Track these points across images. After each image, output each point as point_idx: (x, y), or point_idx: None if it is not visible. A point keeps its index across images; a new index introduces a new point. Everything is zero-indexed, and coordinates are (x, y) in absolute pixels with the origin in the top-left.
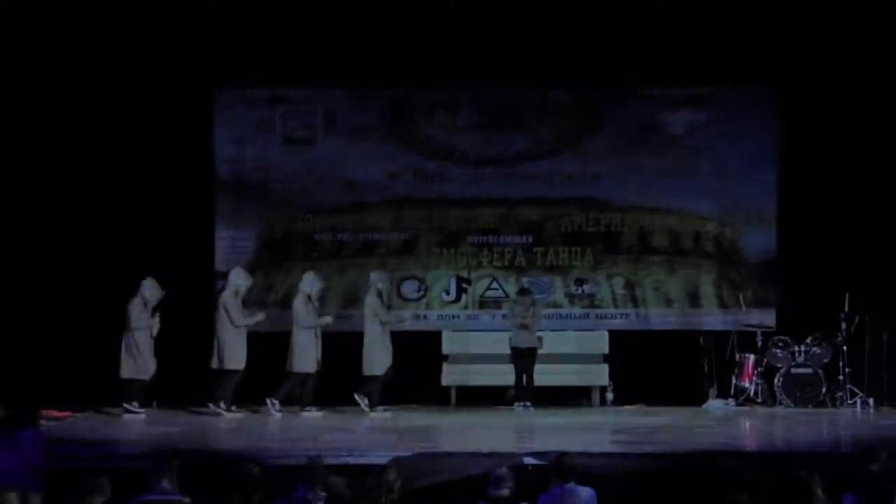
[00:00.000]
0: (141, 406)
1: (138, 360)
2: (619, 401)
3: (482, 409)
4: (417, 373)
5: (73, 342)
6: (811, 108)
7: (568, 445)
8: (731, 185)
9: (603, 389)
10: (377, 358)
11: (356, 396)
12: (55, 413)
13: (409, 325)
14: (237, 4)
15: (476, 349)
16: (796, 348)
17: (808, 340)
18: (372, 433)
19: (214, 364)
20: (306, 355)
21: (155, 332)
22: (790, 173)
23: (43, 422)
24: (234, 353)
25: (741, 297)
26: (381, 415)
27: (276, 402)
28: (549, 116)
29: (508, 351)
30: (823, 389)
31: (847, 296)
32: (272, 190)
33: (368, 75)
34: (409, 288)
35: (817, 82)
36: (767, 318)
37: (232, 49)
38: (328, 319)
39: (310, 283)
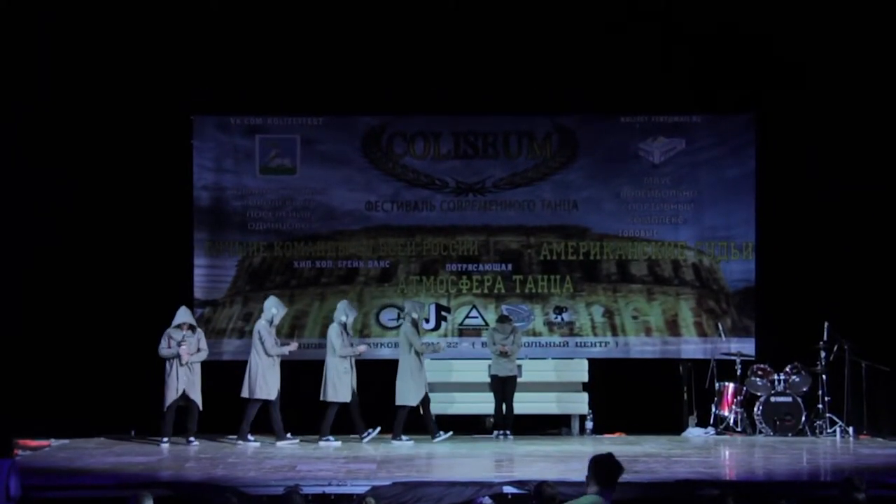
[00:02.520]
0: (120, 435)
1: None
2: (599, 429)
3: (461, 437)
4: (391, 401)
5: (56, 370)
6: (790, 135)
7: (547, 474)
8: (710, 213)
9: (582, 418)
10: (412, 388)
11: (393, 443)
12: (31, 443)
13: (388, 354)
14: (216, 33)
15: (455, 377)
16: (776, 377)
17: (788, 369)
18: (350, 462)
19: (244, 392)
20: (341, 385)
21: (185, 360)
22: (769, 201)
23: (18, 451)
24: (265, 382)
25: (720, 326)
26: (404, 443)
27: (329, 437)
28: (528, 145)
29: (488, 379)
30: (803, 418)
31: (826, 325)
32: (251, 218)
33: (347, 103)
34: (388, 316)
35: (797, 110)
36: (747, 346)
37: (210, 77)
38: (363, 349)
39: (344, 311)
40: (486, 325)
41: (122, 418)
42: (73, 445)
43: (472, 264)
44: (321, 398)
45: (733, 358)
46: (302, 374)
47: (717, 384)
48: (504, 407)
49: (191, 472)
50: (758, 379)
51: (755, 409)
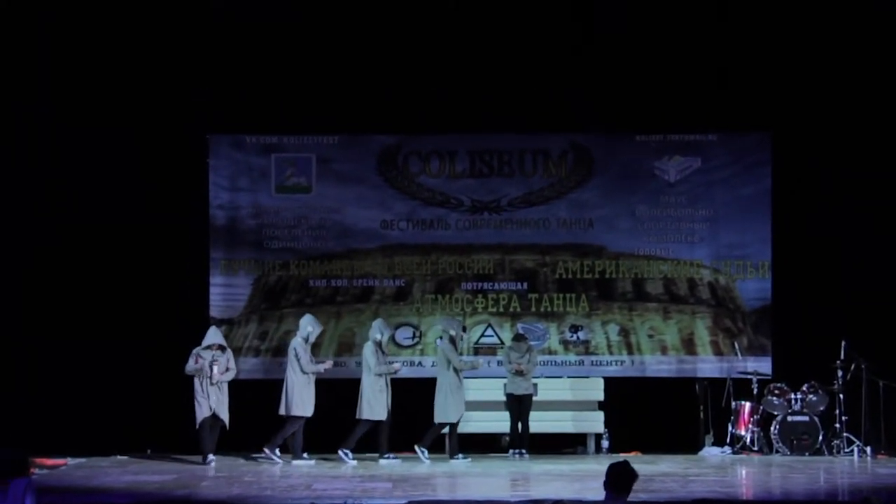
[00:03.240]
0: (137, 454)
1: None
2: (615, 448)
3: (477, 456)
4: (412, 420)
5: (73, 388)
6: (806, 153)
7: (563, 493)
8: (726, 231)
9: (598, 437)
10: (452, 406)
11: (417, 448)
12: (47, 461)
13: (403, 373)
14: (232, 52)
15: (471, 396)
16: (792, 396)
17: (805, 388)
18: (366, 481)
19: (282, 410)
20: (376, 403)
21: (216, 379)
22: (785, 219)
23: (34, 470)
24: (301, 399)
25: (737, 344)
26: (461, 461)
27: (349, 451)
28: (544, 163)
29: (504, 398)
30: (820, 437)
31: (843, 343)
32: (266, 236)
33: (362, 122)
34: (403, 335)
35: (813, 127)
36: (763, 365)
37: (226, 96)
38: (398, 367)
39: (379, 329)
40: (502, 343)
41: (139, 437)
42: (89, 464)
43: (487, 283)
44: (357, 416)
45: (750, 377)
46: (318, 394)
47: (733, 403)
48: (520, 426)
49: (206, 490)
50: (774, 398)
51: (772, 428)
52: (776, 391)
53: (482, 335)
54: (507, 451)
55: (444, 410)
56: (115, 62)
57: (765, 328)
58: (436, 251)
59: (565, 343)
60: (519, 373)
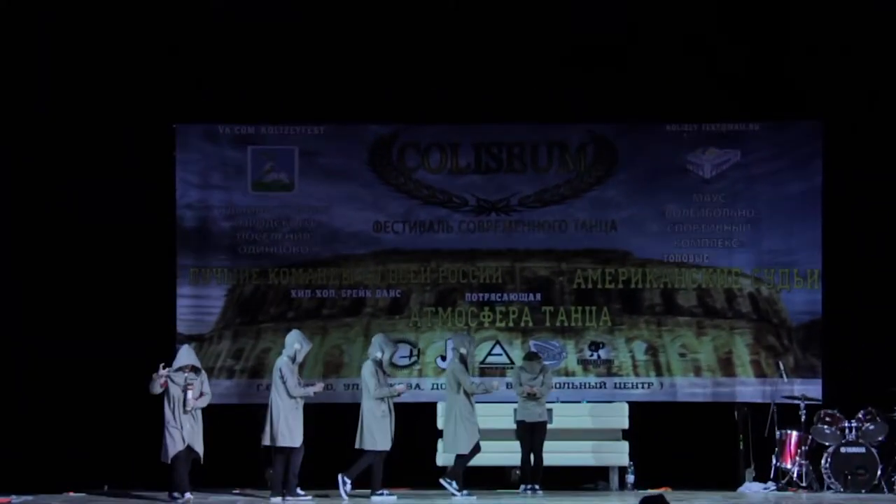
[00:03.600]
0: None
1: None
2: (642, 484)
3: (483, 492)
4: (409, 451)
5: (18, 417)
6: (863, 145)
7: None
8: (770, 235)
9: (622, 470)
10: (462, 434)
11: (442, 481)
12: None
13: (402, 397)
14: (202, 31)
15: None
16: (846, 424)
17: (860, 415)
18: None
19: (265, 440)
20: (378, 431)
21: (190, 406)
22: (838, 222)
23: None
24: (289, 428)
25: (781, 365)
26: (465, 499)
27: (349, 480)
28: (560, 157)
29: (514, 425)
30: (878, 472)
31: None
32: (242, 240)
33: (352, 110)
34: (399, 353)
35: (870, 116)
36: (812, 388)
37: (196, 80)
38: (402, 388)
39: (379, 346)
40: (512, 363)
41: (95, 471)
42: (36, 502)
43: (495, 294)
44: (357, 445)
45: (797, 402)
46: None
47: (778, 432)
48: (532, 457)
49: None
50: (825, 426)
51: (823, 461)
52: (827, 419)
53: (489, 354)
54: (517, 487)
55: (455, 440)
56: (70, 40)
57: (814, 346)
58: (436, 258)
59: (584, 363)
60: (531, 397)
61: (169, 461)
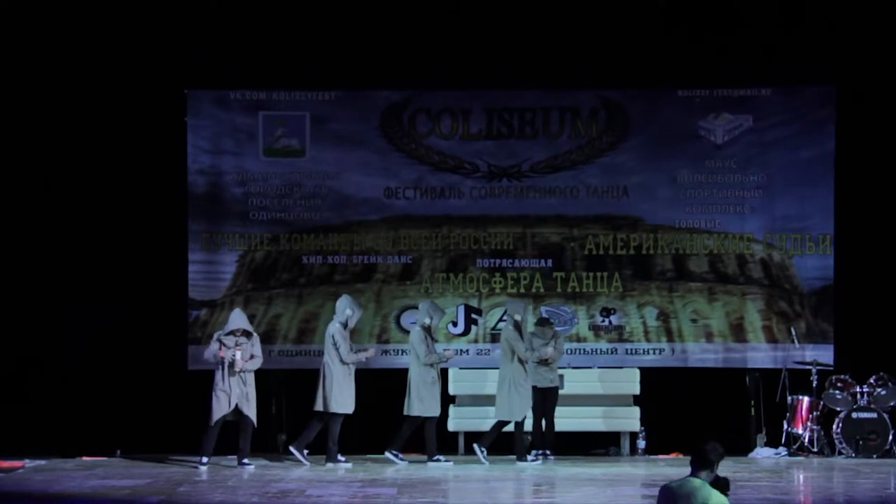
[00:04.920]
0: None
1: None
2: (653, 449)
3: (494, 458)
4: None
5: (31, 382)
6: (876, 110)
7: (592, 501)
8: (782, 200)
9: (633, 436)
10: (516, 402)
11: (476, 447)
12: (2, 464)
13: (408, 362)
14: None
15: (488, 389)
16: (858, 389)
17: (872, 380)
18: (367, 486)
19: (318, 405)
20: (428, 396)
21: (239, 367)
22: (851, 187)
23: None
24: (342, 394)
25: (793, 330)
26: (442, 465)
27: (398, 452)
28: (572, 123)
29: None
30: (890, 437)
31: None
32: (253, 206)
33: (364, 76)
34: (410, 319)
35: (884, 80)
36: (824, 354)
37: (207, 46)
38: (451, 354)
39: (427, 312)
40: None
41: (107, 436)
42: (49, 467)
43: (506, 260)
44: (405, 412)
45: (808, 367)
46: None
47: (789, 398)
48: (544, 423)
49: (184, 497)
50: (837, 392)
51: (834, 426)
52: (839, 384)
53: (500, 319)
54: (529, 453)
55: (508, 407)
56: (81, 4)
57: (826, 312)
58: (447, 223)
59: (596, 329)
60: (543, 363)
61: (212, 423)
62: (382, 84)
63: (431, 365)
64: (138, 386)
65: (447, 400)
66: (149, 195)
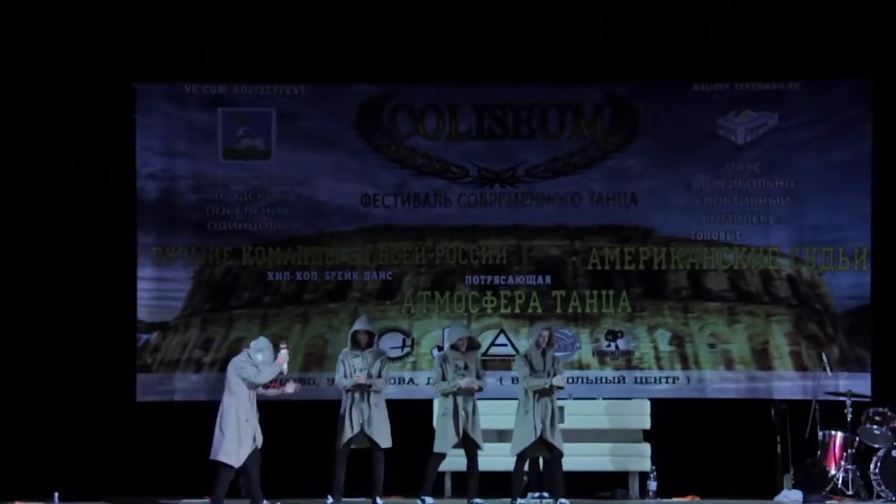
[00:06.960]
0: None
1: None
2: (665, 491)
3: (488, 500)
4: (401, 453)
5: None
6: None
7: None
8: (811, 209)
9: (644, 476)
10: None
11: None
12: None
13: (390, 392)
14: None
15: (480, 422)
16: None
17: None
18: None
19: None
20: (437, 430)
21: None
22: (890, 195)
23: None
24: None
25: (825, 357)
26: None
27: (429, 497)
28: (573, 121)
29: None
30: None
31: None
32: (211, 215)
33: (337, 68)
34: (390, 343)
35: None
36: (860, 383)
37: (159, 32)
38: (463, 383)
39: (448, 336)
40: (518, 354)
41: (44, 479)
42: None
43: (499, 276)
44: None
45: (842, 399)
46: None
47: (820, 433)
48: (541, 461)
49: None
50: (875, 426)
51: (872, 465)
52: (877, 418)
53: (492, 343)
54: (525, 496)
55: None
56: None
57: (862, 335)
58: (432, 235)
59: (601, 354)
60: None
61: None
62: (359, 77)
63: (445, 394)
64: (80, 420)
65: (431, 434)
66: (91, 203)
